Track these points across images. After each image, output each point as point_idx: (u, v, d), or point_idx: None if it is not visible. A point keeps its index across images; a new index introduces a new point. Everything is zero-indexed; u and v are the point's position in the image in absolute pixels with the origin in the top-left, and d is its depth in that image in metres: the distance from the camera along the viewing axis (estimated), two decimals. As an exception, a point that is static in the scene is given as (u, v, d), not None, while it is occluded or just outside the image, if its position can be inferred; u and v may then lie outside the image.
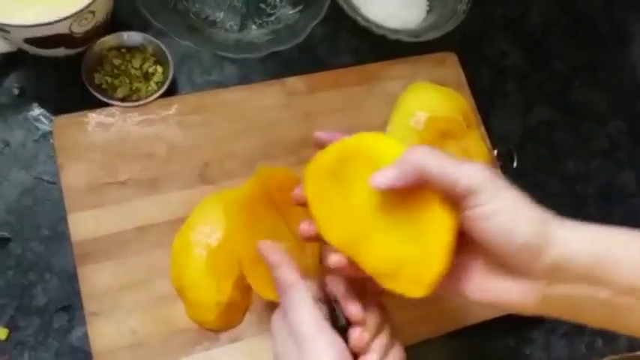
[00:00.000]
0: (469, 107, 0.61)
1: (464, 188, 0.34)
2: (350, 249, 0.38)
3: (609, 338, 0.62)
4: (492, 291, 0.36)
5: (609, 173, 0.69)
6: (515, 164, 0.64)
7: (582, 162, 0.69)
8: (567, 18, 0.74)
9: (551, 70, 0.71)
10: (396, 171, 0.35)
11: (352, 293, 0.40)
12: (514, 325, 0.59)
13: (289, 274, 0.41)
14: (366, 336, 0.39)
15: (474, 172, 0.34)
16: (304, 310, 0.39)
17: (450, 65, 0.65)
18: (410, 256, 0.36)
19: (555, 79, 0.71)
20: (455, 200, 0.35)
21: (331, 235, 0.39)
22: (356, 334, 0.39)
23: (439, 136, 0.56)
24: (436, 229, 0.35)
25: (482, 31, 0.70)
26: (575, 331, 0.61)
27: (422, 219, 0.36)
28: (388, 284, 0.37)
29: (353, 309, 0.39)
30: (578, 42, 0.74)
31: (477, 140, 0.59)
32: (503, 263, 0.35)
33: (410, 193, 0.36)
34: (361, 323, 0.39)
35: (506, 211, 0.33)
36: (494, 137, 0.64)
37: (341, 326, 0.40)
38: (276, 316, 0.41)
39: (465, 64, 0.65)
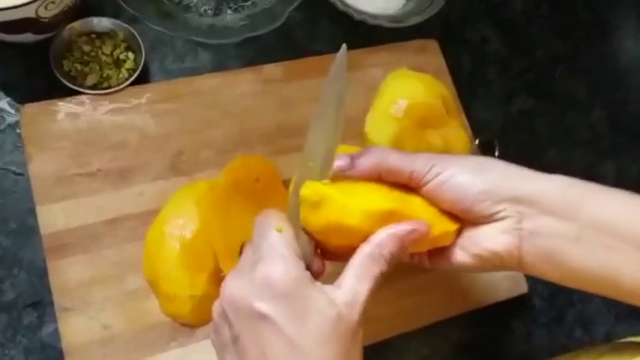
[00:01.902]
0: (449, 94, 0.63)
1: (421, 168, 0.39)
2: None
3: (588, 327, 0.65)
4: (481, 244, 0.39)
5: (591, 163, 0.72)
6: (496, 154, 0.66)
7: (564, 151, 0.71)
8: (548, 5, 0.76)
9: (533, 58, 0.73)
10: (349, 161, 0.40)
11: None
12: (495, 316, 0.61)
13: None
14: None
15: (427, 156, 0.40)
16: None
17: (431, 52, 0.66)
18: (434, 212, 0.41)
19: (537, 67, 0.73)
20: (411, 183, 0.40)
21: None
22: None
23: (419, 124, 0.57)
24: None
25: (463, 17, 0.72)
26: (555, 320, 0.64)
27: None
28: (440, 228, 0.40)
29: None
30: (559, 30, 0.76)
31: (457, 129, 0.61)
32: (474, 214, 0.39)
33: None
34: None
35: (458, 172, 0.39)
36: (476, 126, 0.66)
37: None
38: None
39: (445, 51, 0.67)
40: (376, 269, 0.36)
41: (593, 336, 0.65)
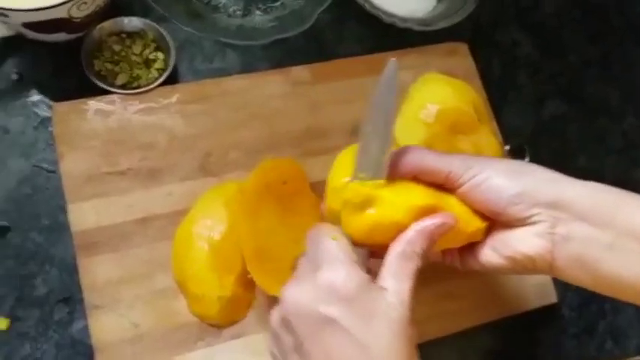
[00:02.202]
0: (481, 100, 0.63)
1: (458, 169, 0.40)
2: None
3: (619, 339, 0.64)
4: (514, 247, 0.40)
5: (623, 170, 0.71)
6: (527, 160, 0.66)
7: (595, 158, 0.70)
8: (580, 9, 0.76)
9: (565, 62, 0.73)
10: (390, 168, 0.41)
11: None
12: (524, 325, 0.61)
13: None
14: None
15: (465, 158, 0.41)
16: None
17: (461, 55, 0.67)
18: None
19: (568, 71, 0.73)
20: (447, 184, 0.41)
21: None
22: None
23: (449, 130, 0.58)
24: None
25: (493, 20, 0.72)
26: (586, 331, 0.64)
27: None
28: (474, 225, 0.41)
29: None
30: (591, 34, 0.75)
31: (488, 135, 0.61)
32: (509, 217, 0.40)
33: None
34: None
35: (494, 174, 0.40)
36: (506, 132, 0.66)
37: None
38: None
39: (475, 55, 0.67)
40: (412, 266, 0.37)
41: (625, 348, 0.64)
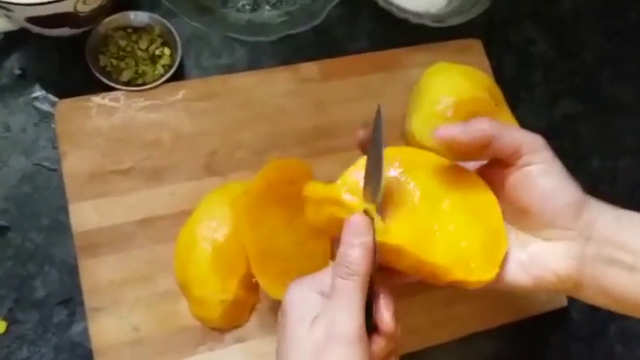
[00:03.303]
0: (494, 84, 0.59)
1: (526, 146, 0.38)
2: (416, 246, 0.38)
3: (629, 344, 0.61)
4: (544, 262, 0.38)
5: (637, 172, 0.67)
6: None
7: (609, 160, 0.67)
8: (597, 6, 0.71)
9: (580, 61, 0.69)
10: (461, 127, 0.38)
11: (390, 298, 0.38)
12: (531, 329, 0.58)
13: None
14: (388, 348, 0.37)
15: (534, 136, 0.39)
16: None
17: (475, 52, 0.63)
18: (475, 242, 0.38)
19: (583, 70, 0.69)
20: (510, 160, 0.39)
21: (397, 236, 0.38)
22: (382, 345, 0.37)
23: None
24: (489, 210, 0.39)
25: (508, 17, 0.68)
26: (595, 335, 0.60)
27: (473, 205, 0.39)
28: (459, 274, 0.38)
29: (388, 317, 0.37)
30: (607, 32, 0.71)
31: (508, 117, 0.56)
32: (552, 221, 0.38)
33: (454, 186, 0.40)
34: (387, 334, 0.37)
35: (557, 172, 0.38)
36: (518, 131, 0.62)
37: None
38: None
39: (489, 52, 0.63)
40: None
41: (635, 353, 0.61)
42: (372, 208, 0.37)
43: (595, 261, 0.37)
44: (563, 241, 0.38)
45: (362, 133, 0.44)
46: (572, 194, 0.38)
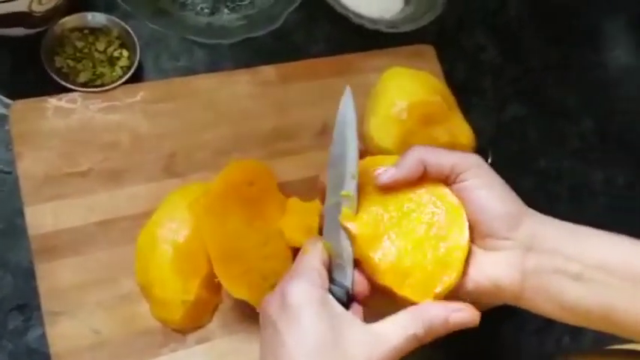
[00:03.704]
0: (446, 88, 0.61)
1: (459, 167, 0.40)
2: (365, 249, 0.39)
3: (576, 335, 0.64)
4: (484, 271, 0.39)
5: (580, 172, 0.70)
6: (489, 161, 0.64)
7: (554, 160, 0.70)
8: (540, 14, 0.75)
9: (526, 66, 0.72)
10: (396, 167, 0.40)
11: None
12: (484, 322, 0.58)
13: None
14: None
15: (467, 156, 0.41)
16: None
17: (427, 58, 0.65)
18: (422, 263, 0.39)
19: (530, 75, 0.72)
20: (449, 180, 0.40)
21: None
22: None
23: (423, 122, 0.55)
24: (455, 243, 0.39)
25: (459, 24, 0.70)
26: (545, 327, 0.63)
27: (443, 232, 0.39)
28: (397, 288, 0.39)
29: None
30: (552, 38, 0.74)
31: (459, 120, 0.59)
32: (489, 231, 0.39)
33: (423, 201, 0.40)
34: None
35: (493, 185, 0.40)
36: (469, 133, 0.64)
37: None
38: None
39: (441, 58, 0.65)
40: (411, 332, 0.37)
41: (581, 344, 0.64)
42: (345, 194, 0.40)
43: (538, 272, 0.38)
44: (502, 251, 0.39)
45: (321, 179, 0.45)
46: (508, 205, 0.39)
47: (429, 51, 0.65)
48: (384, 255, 0.39)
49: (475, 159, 0.41)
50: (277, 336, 0.36)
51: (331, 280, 0.39)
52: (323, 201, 0.44)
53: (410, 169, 0.40)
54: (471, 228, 0.40)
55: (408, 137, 0.54)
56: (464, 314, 0.38)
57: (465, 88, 0.67)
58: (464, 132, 0.58)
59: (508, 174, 0.65)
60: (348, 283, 0.39)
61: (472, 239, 0.40)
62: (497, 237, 0.39)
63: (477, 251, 0.40)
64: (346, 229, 0.39)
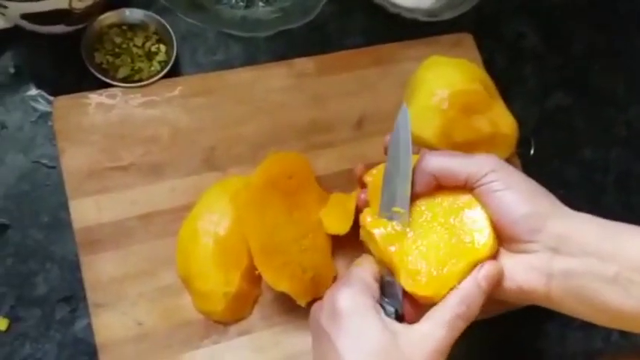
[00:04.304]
0: (487, 76, 0.60)
1: (476, 175, 0.40)
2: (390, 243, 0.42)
3: (625, 332, 0.62)
4: (507, 274, 0.39)
5: (628, 162, 0.69)
6: (532, 151, 0.64)
7: (601, 150, 0.68)
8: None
9: (571, 54, 0.71)
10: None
11: None
12: (528, 317, 0.59)
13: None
14: None
15: (485, 159, 0.41)
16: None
17: (466, 47, 0.64)
18: (434, 265, 0.40)
19: (574, 62, 0.71)
20: (467, 186, 0.41)
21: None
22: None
23: (464, 112, 0.54)
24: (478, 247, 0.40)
25: (498, 11, 0.69)
26: (592, 323, 0.62)
27: (463, 244, 0.41)
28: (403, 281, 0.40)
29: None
30: (597, 24, 0.73)
31: (502, 110, 0.58)
32: (511, 234, 0.39)
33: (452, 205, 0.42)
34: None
35: (514, 186, 0.39)
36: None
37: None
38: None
39: (480, 46, 0.65)
40: (452, 314, 0.38)
41: (631, 340, 0.62)
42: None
43: (568, 275, 0.37)
44: (527, 254, 0.38)
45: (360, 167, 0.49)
46: (529, 207, 0.38)
47: (467, 39, 0.64)
48: (418, 269, 0.40)
49: (492, 161, 0.40)
50: (330, 344, 0.37)
51: (382, 295, 0.40)
52: (362, 187, 0.46)
53: (421, 186, 0.42)
54: (497, 231, 0.40)
55: (448, 128, 0.53)
56: (487, 268, 0.39)
57: (506, 77, 0.66)
58: (507, 122, 0.57)
59: (552, 165, 0.66)
60: (397, 301, 0.40)
61: (499, 242, 0.40)
62: (519, 240, 0.39)
63: (503, 253, 0.40)
64: (370, 234, 0.42)
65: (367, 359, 0.35)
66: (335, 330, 0.37)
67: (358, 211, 0.47)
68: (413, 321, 0.39)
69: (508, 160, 0.51)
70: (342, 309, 0.37)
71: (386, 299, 0.41)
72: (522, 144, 0.63)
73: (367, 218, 0.44)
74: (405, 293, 0.40)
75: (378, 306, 0.39)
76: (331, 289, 0.40)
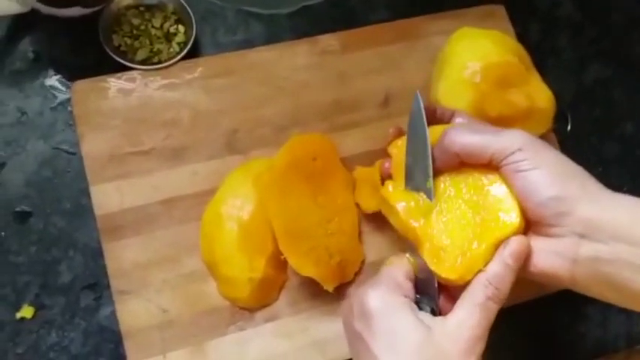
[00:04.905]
0: (522, 48, 0.58)
1: (501, 154, 0.38)
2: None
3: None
4: (531, 258, 0.38)
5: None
6: (569, 127, 0.61)
7: (642, 124, 0.66)
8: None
9: (608, 23, 0.68)
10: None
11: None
12: (568, 300, 0.57)
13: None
14: None
15: (508, 139, 0.39)
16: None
17: (498, 18, 0.62)
18: (459, 245, 0.39)
19: (613, 32, 0.68)
20: (493, 165, 0.39)
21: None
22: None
23: (498, 85, 0.52)
24: (495, 238, 0.39)
25: (531, -21, 0.67)
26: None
27: (488, 224, 0.39)
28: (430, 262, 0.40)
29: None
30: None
31: (538, 83, 0.55)
32: (536, 217, 0.38)
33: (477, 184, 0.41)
34: None
35: (542, 166, 0.37)
36: (546, 98, 0.61)
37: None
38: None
39: (512, 18, 0.62)
40: (482, 298, 0.37)
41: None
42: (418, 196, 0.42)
43: (596, 261, 0.36)
44: (552, 238, 0.37)
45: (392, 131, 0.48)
46: (556, 189, 0.37)
47: (499, 10, 0.62)
48: (441, 245, 0.40)
49: (519, 139, 0.38)
50: (365, 347, 0.36)
51: (418, 294, 0.40)
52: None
53: (443, 162, 0.41)
54: (524, 213, 0.39)
55: (482, 102, 0.51)
56: (513, 245, 0.37)
57: (540, 49, 0.64)
58: (543, 95, 0.54)
59: (590, 141, 0.64)
60: (433, 298, 0.40)
61: (525, 225, 0.39)
62: (544, 224, 0.37)
63: (531, 237, 0.39)
64: (393, 208, 0.42)
65: (403, 358, 0.35)
66: (367, 332, 0.37)
67: (381, 181, 0.47)
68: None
69: (544, 137, 0.50)
70: (372, 310, 0.37)
71: (421, 297, 0.40)
72: (558, 119, 0.61)
73: (389, 190, 0.43)
74: (440, 288, 0.40)
75: (413, 304, 0.38)
76: (359, 291, 0.39)
